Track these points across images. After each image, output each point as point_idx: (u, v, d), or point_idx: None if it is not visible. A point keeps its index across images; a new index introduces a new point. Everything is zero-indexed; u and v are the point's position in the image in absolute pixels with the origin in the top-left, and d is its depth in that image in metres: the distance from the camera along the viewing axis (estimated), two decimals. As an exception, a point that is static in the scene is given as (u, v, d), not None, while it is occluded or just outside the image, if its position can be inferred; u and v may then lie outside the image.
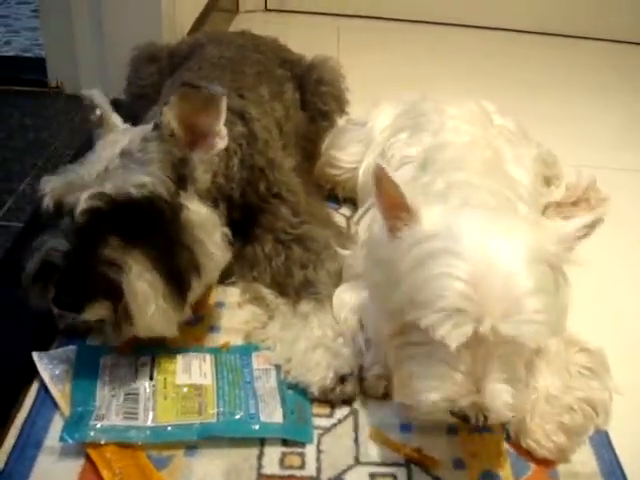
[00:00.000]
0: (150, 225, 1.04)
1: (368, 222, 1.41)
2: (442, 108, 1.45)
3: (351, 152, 1.63)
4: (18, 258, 1.37)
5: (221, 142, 1.13)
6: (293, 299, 1.24)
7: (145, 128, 1.12)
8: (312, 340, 1.16)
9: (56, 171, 1.07)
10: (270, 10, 3.06)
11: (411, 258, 0.97)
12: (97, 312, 1.03)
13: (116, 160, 1.05)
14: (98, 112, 1.15)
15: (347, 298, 1.22)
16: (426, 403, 0.95)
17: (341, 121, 1.76)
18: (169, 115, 1.09)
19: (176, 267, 1.06)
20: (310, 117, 1.69)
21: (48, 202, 1.03)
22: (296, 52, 1.78)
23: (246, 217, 1.31)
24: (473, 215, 0.99)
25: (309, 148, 1.67)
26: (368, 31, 2.90)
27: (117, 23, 1.92)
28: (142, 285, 1.02)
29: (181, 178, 1.09)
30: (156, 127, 1.10)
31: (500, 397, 0.92)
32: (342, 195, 1.67)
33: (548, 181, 1.68)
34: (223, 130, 1.12)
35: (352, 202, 1.64)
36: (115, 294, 1.02)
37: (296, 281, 1.25)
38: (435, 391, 0.94)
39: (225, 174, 1.23)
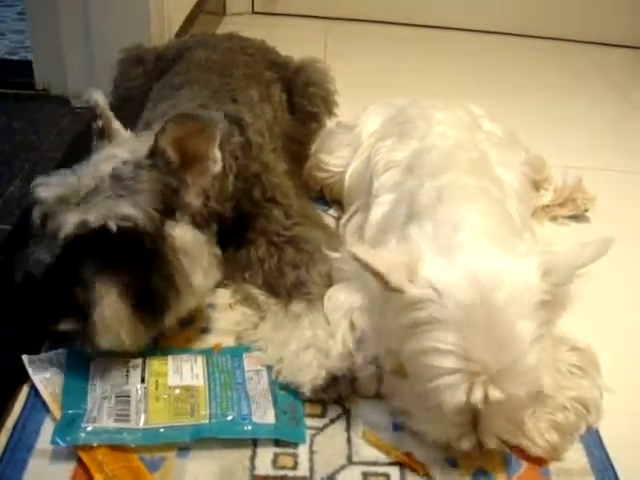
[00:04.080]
0: (127, 254, 1.06)
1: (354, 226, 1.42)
2: (429, 114, 1.44)
3: (339, 156, 1.63)
4: (6, 261, 1.37)
5: (215, 167, 1.14)
6: (285, 299, 1.24)
7: (139, 149, 1.12)
8: (303, 340, 1.16)
9: (49, 174, 1.09)
10: (257, 13, 3.06)
11: (401, 324, 0.97)
12: (68, 326, 1.06)
13: (106, 181, 1.06)
14: (100, 122, 1.15)
15: (339, 300, 1.22)
16: (426, 438, 1.03)
17: (330, 123, 1.76)
18: (163, 142, 1.10)
19: (149, 294, 1.08)
20: (299, 119, 1.69)
21: (36, 215, 1.07)
22: (284, 54, 1.78)
23: (239, 223, 1.32)
24: (460, 270, 0.96)
25: (297, 150, 1.67)
26: (356, 34, 2.91)
27: (105, 25, 1.91)
28: (106, 311, 1.05)
29: (170, 206, 1.11)
30: (150, 155, 1.10)
31: (495, 436, 0.99)
32: (330, 197, 1.67)
33: (537, 185, 1.69)
34: (217, 154, 1.13)
35: (340, 204, 1.64)
36: (82, 314, 1.04)
37: (288, 281, 1.25)
38: (433, 434, 1.01)
39: (218, 197, 1.24)
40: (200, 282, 1.14)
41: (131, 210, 1.05)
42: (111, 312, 1.05)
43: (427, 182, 1.20)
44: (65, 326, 1.06)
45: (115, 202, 1.05)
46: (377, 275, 0.96)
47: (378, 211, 1.31)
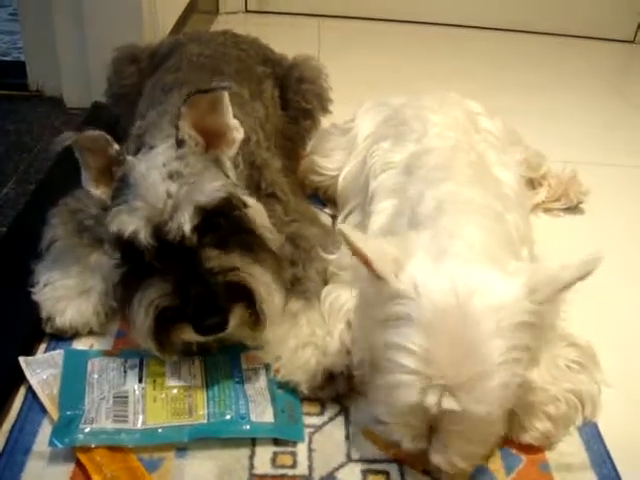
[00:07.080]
0: (232, 225, 1.06)
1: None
2: (424, 115, 1.43)
3: (335, 159, 1.63)
4: (1, 263, 1.37)
5: (238, 134, 1.14)
6: (282, 297, 1.24)
7: (164, 150, 1.09)
8: (301, 338, 1.15)
9: (115, 212, 1.04)
10: (250, 11, 3.06)
11: (378, 316, 0.97)
12: (237, 316, 1.04)
13: (171, 183, 1.03)
14: (116, 146, 1.08)
15: (336, 299, 1.21)
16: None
17: (324, 120, 1.76)
18: (186, 127, 1.08)
19: (262, 256, 1.08)
20: (292, 116, 1.68)
21: (146, 239, 1.01)
22: (278, 52, 1.77)
23: None
24: (445, 275, 0.94)
25: (291, 147, 1.67)
26: (349, 31, 2.91)
27: (98, 25, 1.90)
28: (263, 278, 1.05)
29: (227, 177, 1.11)
30: (180, 144, 1.08)
31: (443, 459, 0.96)
32: (324, 198, 1.67)
33: (534, 183, 1.70)
34: (236, 122, 1.13)
35: (335, 203, 1.64)
36: (246, 295, 1.04)
37: (285, 279, 1.25)
38: (390, 429, 0.99)
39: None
40: (276, 238, 1.15)
41: (217, 182, 1.05)
42: (264, 277, 1.05)
43: (428, 192, 1.17)
44: (235, 319, 1.04)
45: (200, 184, 1.03)
46: (364, 260, 0.95)
47: (377, 220, 1.28)
